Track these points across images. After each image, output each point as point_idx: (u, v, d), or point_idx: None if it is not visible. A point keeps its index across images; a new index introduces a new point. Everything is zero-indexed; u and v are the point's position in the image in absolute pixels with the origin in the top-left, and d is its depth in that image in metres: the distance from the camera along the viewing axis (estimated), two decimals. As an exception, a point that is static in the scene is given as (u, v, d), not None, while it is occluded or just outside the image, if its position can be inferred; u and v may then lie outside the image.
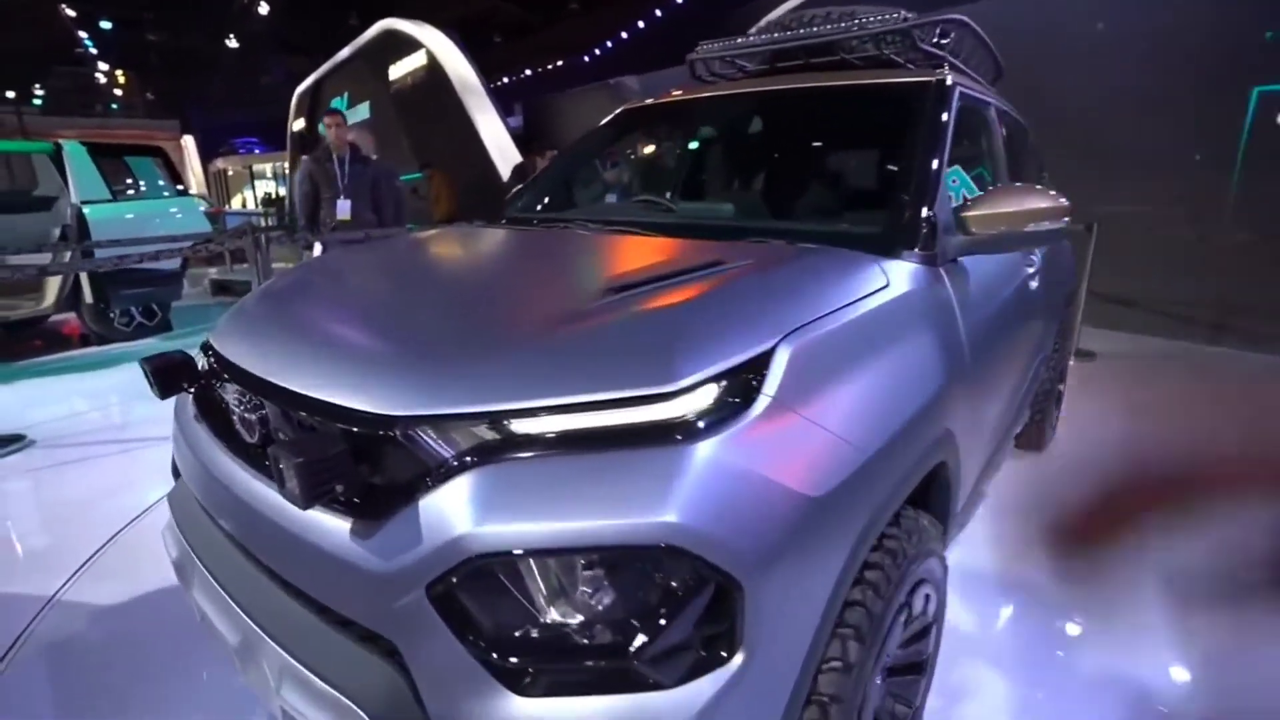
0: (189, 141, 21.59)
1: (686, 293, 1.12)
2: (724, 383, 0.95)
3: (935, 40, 2.12)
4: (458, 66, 9.39)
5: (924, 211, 1.52)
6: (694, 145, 2.67)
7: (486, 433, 0.91)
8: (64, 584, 2.19)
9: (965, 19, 2.21)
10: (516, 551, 0.83)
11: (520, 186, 2.49)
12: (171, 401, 1.46)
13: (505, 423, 0.90)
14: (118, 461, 3.27)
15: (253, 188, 28.07)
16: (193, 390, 1.36)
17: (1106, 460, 3.21)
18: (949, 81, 1.86)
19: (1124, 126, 5.27)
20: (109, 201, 5.28)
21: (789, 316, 1.09)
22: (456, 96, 9.20)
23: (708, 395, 0.93)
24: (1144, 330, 5.51)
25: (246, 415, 1.14)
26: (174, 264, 5.51)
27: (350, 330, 1.17)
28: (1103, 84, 5.34)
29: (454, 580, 0.84)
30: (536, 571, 0.86)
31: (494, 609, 0.86)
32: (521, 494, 0.85)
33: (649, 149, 3.16)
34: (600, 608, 0.85)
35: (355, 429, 0.94)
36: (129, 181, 5.74)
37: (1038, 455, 3.23)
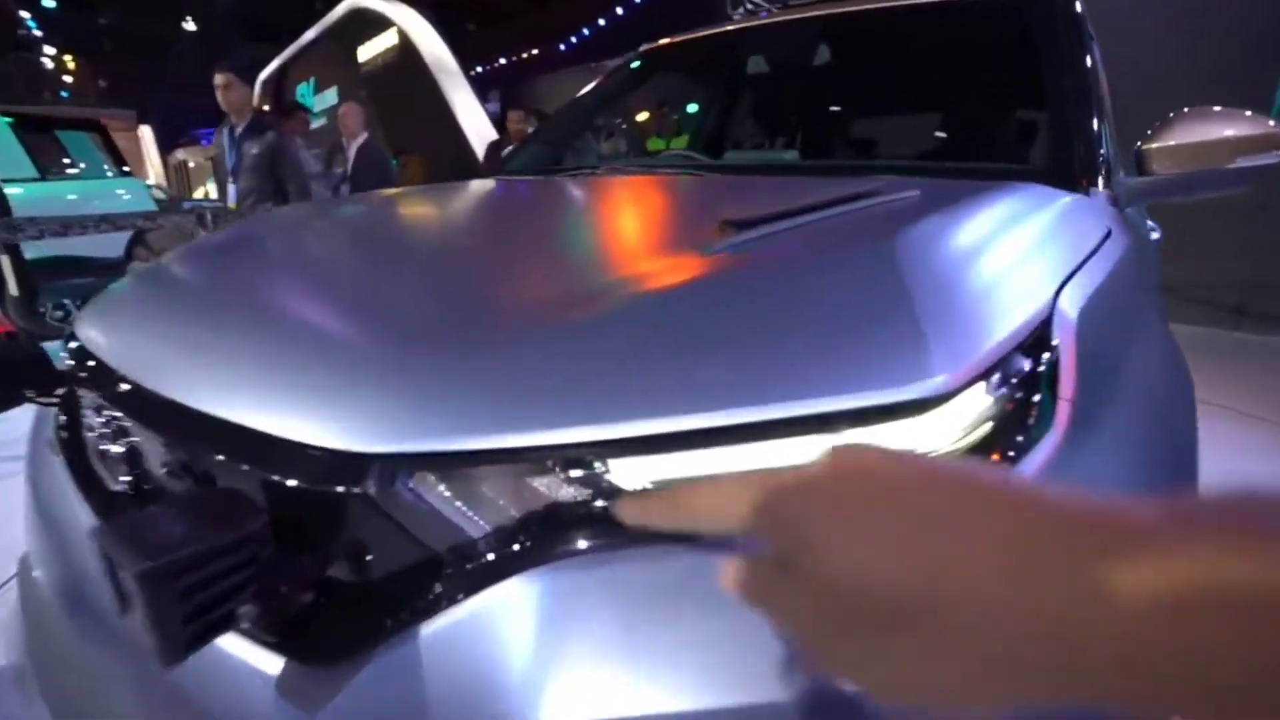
0: (146, 131, 20.53)
1: (864, 228, 0.67)
2: (1000, 379, 0.50)
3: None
4: (432, 45, 8.81)
5: (1101, 138, 1.12)
6: (745, 89, 2.19)
7: (559, 484, 0.45)
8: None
9: None
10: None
11: (515, 146, 2.01)
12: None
13: (599, 466, 0.45)
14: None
15: (217, 180, 26.92)
16: (47, 402, 0.87)
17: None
18: None
19: (1164, 86, 4.94)
20: (37, 180, 4.65)
21: (1052, 261, 0.65)
22: (431, 77, 8.63)
23: (982, 402, 0.48)
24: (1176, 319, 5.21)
25: (110, 446, 0.66)
26: (115, 250, 4.90)
27: (290, 305, 0.69)
28: (1141, 41, 5.00)
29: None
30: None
31: None
32: (657, 630, 0.40)
33: (684, 96, 2.69)
34: None
35: (288, 478, 0.47)
36: (66, 160, 5.11)
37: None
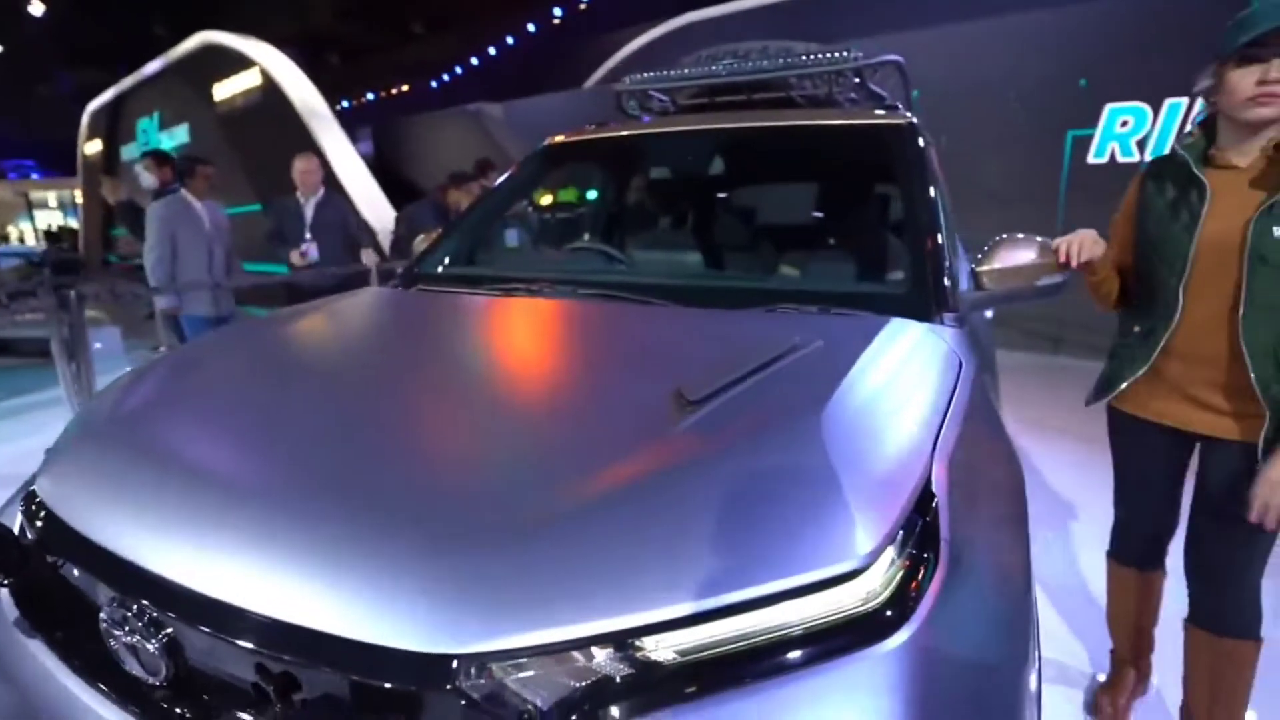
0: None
1: (791, 396, 0.86)
2: (902, 538, 0.70)
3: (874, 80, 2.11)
4: (299, 88, 8.48)
5: (949, 269, 1.39)
6: (645, 188, 2.41)
7: (609, 663, 0.58)
8: None
9: (900, 60, 2.19)
10: None
11: (431, 239, 2.04)
12: None
13: (635, 645, 0.59)
14: None
15: (31, 218, 23.81)
16: (8, 582, 0.86)
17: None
18: (917, 123, 1.78)
19: (958, 166, 5.79)
20: None
21: (927, 417, 0.87)
22: (300, 121, 8.28)
23: (890, 562, 0.68)
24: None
25: (136, 640, 0.70)
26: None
27: (334, 483, 0.76)
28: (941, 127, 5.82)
29: None
30: None
31: None
32: None
33: (586, 191, 2.86)
34: None
35: (379, 680, 0.57)
36: None
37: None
